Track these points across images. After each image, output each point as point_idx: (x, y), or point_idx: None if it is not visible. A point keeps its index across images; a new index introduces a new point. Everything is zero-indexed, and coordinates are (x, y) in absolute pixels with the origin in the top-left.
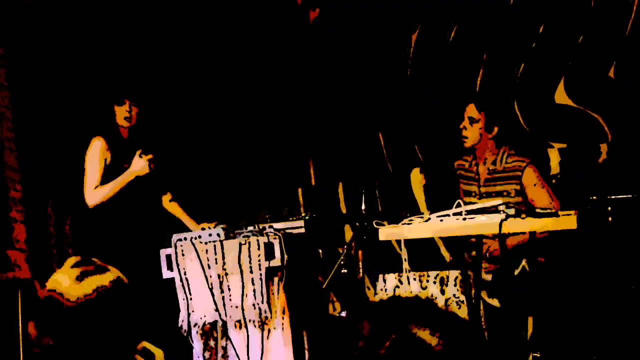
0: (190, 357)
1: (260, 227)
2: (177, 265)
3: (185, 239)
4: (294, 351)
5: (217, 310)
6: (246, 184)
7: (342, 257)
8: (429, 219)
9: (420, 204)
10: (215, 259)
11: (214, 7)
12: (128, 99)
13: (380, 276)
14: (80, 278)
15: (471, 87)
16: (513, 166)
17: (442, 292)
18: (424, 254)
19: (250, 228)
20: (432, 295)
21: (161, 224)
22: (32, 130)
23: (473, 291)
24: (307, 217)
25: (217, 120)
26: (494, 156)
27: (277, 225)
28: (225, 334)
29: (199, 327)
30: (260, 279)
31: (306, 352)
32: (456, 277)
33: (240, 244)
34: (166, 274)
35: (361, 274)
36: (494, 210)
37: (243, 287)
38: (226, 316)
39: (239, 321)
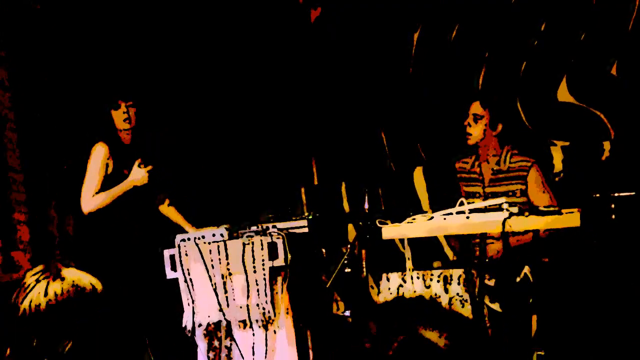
0: (194, 357)
1: (264, 227)
2: (181, 265)
3: (188, 239)
4: (298, 351)
5: (221, 310)
6: (249, 183)
7: (345, 257)
8: (432, 217)
9: (423, 203)
10: (219, 259)
11: (214, 6)
12: (123, 100)
13: (384, 275)
14: (31, 287)
15: (473, 85)
16: (518, 166)
17: (446, 290)
18: (427, 253)
19: (253, 228)
20: (435, 294)
21: (160, 227)
22: (35, 132)
23: (477, 290)
24: (310, 217)
25: (219, 120)
26: (498, 156)
27: (280, 225)
28: (229, 334)
29: (203, 327)
30: (264, 279)
31: (310, 351)
32: (460, 276)
33: (244, 244)
34: (170, 274)
35: (365, 273)
36: (497, 208)
37: (247, 287)
38: (230, 316)
39: (243, 321)
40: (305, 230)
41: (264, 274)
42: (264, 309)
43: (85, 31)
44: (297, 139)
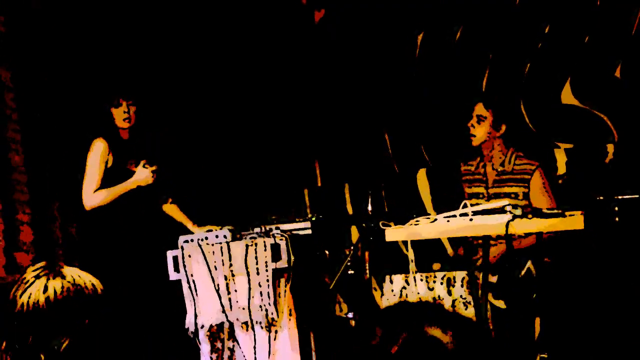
0: (197, 359)
1: (267, 229)
2: (184, 267)
3: (191, 240)
4: (301, 352)
5: (223, 311)
6: (252, 185)
7: (348, 258)
8: (436, 219)
9: (426, 205)
10: (222, 261)
11: (217, 6)
12: (124, 99)
13: (387, 277)
14: (30, 282)
15: (477, 87)
16: (522, 169)
17: (449, 293)
18: (430, 255)
19: (256, 229)
20: (439, 297)
21: (164, 228)
22: (38, 132)
23: (480, 292)
24: (313, 218)
25: (222, 121)
26: (502, 157)
27: (283, 227)
28: (232, 335)
29: (205, 328)
30: (267, 281)
31: (313, 353)
32: (463, 278)
33: (247, 246)
34: (173, 275)
35: (368, 275)
36: (500, 210)
37: (250, 288)
38: (233, 318)
39: (245, 323)
40: (309, 231)
41: (267, 276)
42: (266, 310)
43: (87, 30)
44: (300, 141)
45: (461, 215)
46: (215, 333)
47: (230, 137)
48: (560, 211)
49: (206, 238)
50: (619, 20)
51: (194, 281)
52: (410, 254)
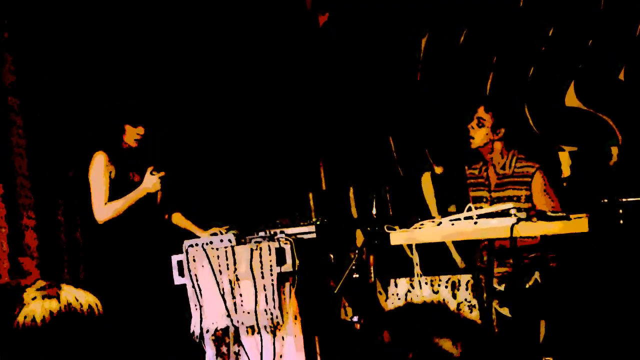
0: None
1: (272, 233)
2: (189, 271)
3: (196, 244)
4: (306, 356)
5: (229, 316)
6: (256, 189)
7: (353, 262)
8: (440, 223)
9: (431, 208)
10: (227, 265)
11: (223, 10)
12: (143, 126)
13: (392, 281)
14: (28, 303)
15: (481, 90)
16: (523, 171)
17: (454, 296)
18: (435, 259)
19: (261, 233)
20: (443, 300)
21: (169, 233)
22: (43, 137)
23: (485, 295)
24: (318, 222)
25: (227, 125)
26: (504, 160)
27: (288, 231)
28: (237, 339)
29: (211, 333)
30: (272, 285)
31: (318, 356)
32: (467, 282)
33: (252, 250)
34: (177, 280)
35: (373, 279)
36: (505, 213)
37: (255, 292)
38: (238, 322)
39: (251, 327)
40: (313, 235)
41: (272, 280)
42: (272, 314)
43: (91, 33)
44: (305, 144)
45: (466, 218)
46: (220, 337)
47: (234, 140)
48: (564, 214)
49: (211, 242)
50: (623, 22)
51: (199, 285)
52: (415, 258)
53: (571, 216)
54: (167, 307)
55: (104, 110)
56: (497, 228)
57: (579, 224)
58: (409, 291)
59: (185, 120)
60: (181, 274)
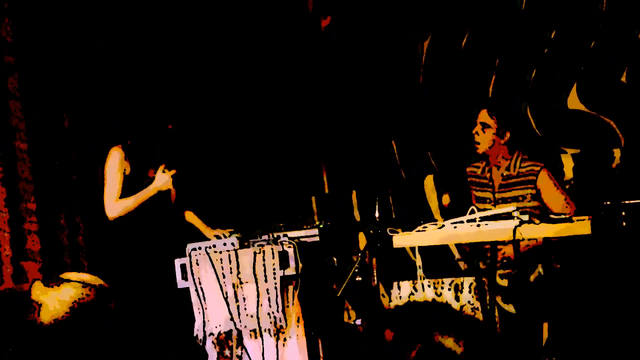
0: None
1: (275, 236)
2: (192, 274)
3: (199, 248)
4: (309, 359)
5: (232, 319)
6: (260, 192)
7: (356, 265)
8: (443, 225)
9: (434, 211)
10: (230, 268)
11: (225, 15)
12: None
13: (395, 283)
14: (43, 299)
15: (484, 93)
16: (527, 171)
17: (457, 298)
18: (438, 261)
19: (264, 237)
20: (446, 303)
21: (176, 234)
22: (46, 141)
23: (488, 297)
24: (321, 225)
25: (231, 128)
26: (508, 161)
27: (291, 234)
28: (240, 343)
29: (214, 336)
30: (275, 288)
31: None
32: (471, 284)
33: (255, 253)
34: (181, 283)
35: (375, 282)
36: (507, 216)
37: (258, 296)
38: (241, 325)
39: (254, 330)
40: (316, 239)
41: (275, 283)
42: (275, 317)
43: (95, 36)
44: (307, 148)
45: (468, 221)
46: (223, 341)
47: (237, 144)
48: (568, 216)
49: (214, 246)
50: (625, 24)
51: (202, 289)
52: (418, 260)
53: (574, 218)
54: (170, 310)
55: (105, 110)
56: (499, 230)
57: (581, 226)
58: (411, 294)
59: (189, 123)
60: (184, 277)
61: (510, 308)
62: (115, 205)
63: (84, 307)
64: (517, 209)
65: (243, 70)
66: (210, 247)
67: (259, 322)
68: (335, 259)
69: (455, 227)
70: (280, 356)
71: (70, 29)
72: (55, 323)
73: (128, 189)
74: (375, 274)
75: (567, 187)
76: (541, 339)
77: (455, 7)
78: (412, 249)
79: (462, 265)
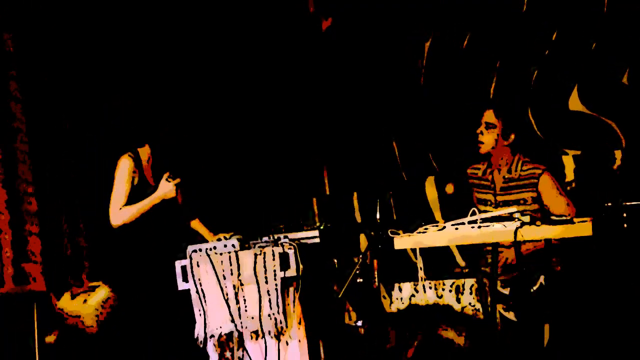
0: None
1: (276, 238)
2: (193, 276)
3: (200, 250)
4: None
5: (233, 321)
6: (260, 194)
7: (357, 267)
8: (444, 227)
9: (435, 213)
10: (231, 270)
11: (226, 17)
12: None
13: (396, 285)
14: (80, 308)
15: (485, 94)
16: (529, 174)
17: (458, 300)
18: (439, 263)
19: (265, 238)
20: (447, 304)
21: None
22: (46, 143)
23: (489, 299)
24: (322, 227)
25: (232, 130)
26: (509, 164)
27: (292, 235)
28: (241, 344)
29: (215, 338)
30: (276, 290)
31: None
32: (472, 286)
33: (256, 255)
34: (181, 285)
35: (377, 283)
36: (508, 217)
37: (259, 297)
38: (242, 327)
39: (255, 332)
40: (317, 240)
41: (276, 285)
42: (276, 319)
43: (95, 37)
44: (308, 149)
45: (469, 222)
46: (224, 342)
47: (238, 146)
48: (569, 217)
49: (215, 247)
50: (627, 26)
51: (202, 290)
52: (419, 262)
53: (575, 220)
54: (171, 312)
55: (105, 111)
56: (501, 232)
57: (583, 228)
58: (413, 295)
59: (190, 126)
60: (185, 279)
61: (511, 316)
62: (119, 214)
63: (114, 307)
64: (519, 210)
65: (243, 71)
66: (210, 249)
67: (260, 324)
68: (336, 261)
69: (456, 229)
70: (282, 358)
71: (70, 29)
72: (99, 324)
73: (132, 197)
74: (376, 276)
75: (568, 188)
76: (542, 341)
77: (456, 8)
78: (414, 250)
79: (464, 267)
